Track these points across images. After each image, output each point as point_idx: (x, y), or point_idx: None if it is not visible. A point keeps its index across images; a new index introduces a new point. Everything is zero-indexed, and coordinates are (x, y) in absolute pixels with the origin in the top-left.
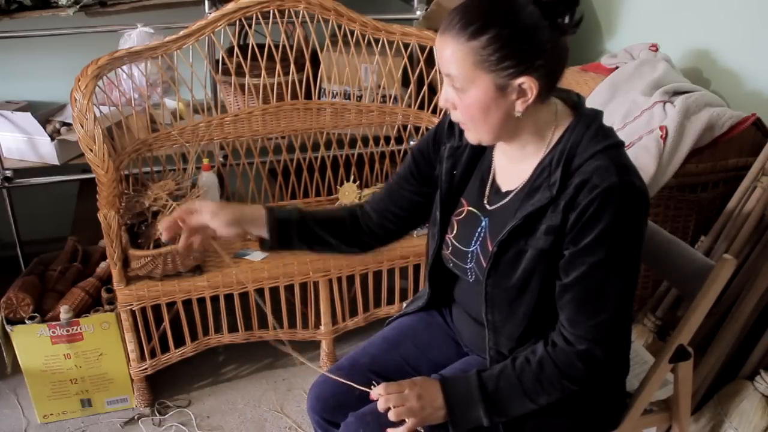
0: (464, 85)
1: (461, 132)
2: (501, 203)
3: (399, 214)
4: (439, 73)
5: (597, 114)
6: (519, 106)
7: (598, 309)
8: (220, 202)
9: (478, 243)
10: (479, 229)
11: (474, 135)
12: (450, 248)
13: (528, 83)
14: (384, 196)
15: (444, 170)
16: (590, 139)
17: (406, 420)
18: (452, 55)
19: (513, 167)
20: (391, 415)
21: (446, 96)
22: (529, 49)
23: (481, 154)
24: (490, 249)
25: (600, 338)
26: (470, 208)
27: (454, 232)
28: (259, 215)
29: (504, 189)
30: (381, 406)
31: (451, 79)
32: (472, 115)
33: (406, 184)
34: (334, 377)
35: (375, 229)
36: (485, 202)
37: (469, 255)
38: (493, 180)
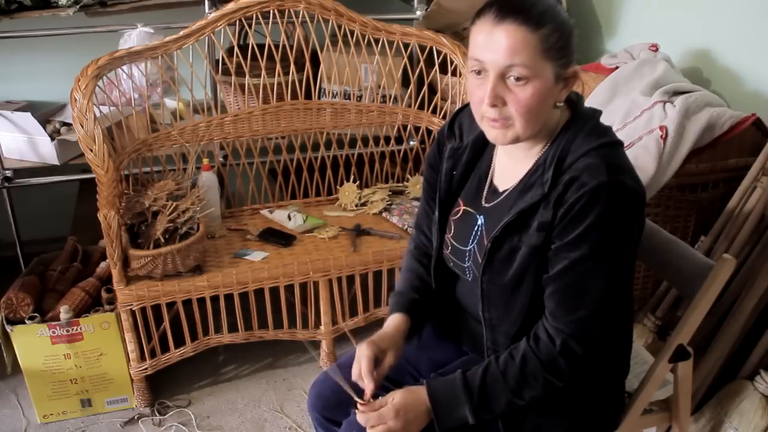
0: (530, 76)
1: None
2: (497, 201)
3: None
4: (476, 67)
5: (594, 113)
6: (563, 95)
7: (578, 305)
8: (374, 340)
9: (475, 241)
10: (476, 228)
11: (517, 130)
12: (450, 248)
13: (578, 71)
14: (426, 227)
15: (444, 171)
16: (584, 137)
17: None
18: (521, 43)
19: (513, 166)
20: None
21: (497, 92)
22: (573, 40)
23: (481, 155)
24: (486, 246)
25: (578, 334)
26: (466, 208)
27: (452, 231)
28: (402, 329)
29: (501, 188)
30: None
31: (510, 70)
32: (530, 107)
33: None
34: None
35: None
36: (482, 201)
37: (467, 253)
38: (491, 180)
